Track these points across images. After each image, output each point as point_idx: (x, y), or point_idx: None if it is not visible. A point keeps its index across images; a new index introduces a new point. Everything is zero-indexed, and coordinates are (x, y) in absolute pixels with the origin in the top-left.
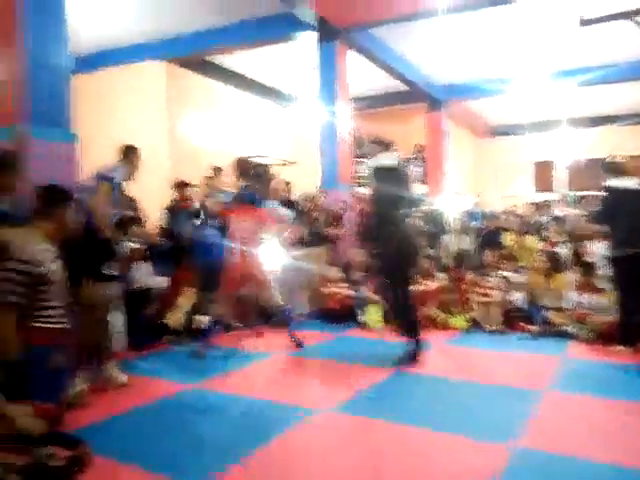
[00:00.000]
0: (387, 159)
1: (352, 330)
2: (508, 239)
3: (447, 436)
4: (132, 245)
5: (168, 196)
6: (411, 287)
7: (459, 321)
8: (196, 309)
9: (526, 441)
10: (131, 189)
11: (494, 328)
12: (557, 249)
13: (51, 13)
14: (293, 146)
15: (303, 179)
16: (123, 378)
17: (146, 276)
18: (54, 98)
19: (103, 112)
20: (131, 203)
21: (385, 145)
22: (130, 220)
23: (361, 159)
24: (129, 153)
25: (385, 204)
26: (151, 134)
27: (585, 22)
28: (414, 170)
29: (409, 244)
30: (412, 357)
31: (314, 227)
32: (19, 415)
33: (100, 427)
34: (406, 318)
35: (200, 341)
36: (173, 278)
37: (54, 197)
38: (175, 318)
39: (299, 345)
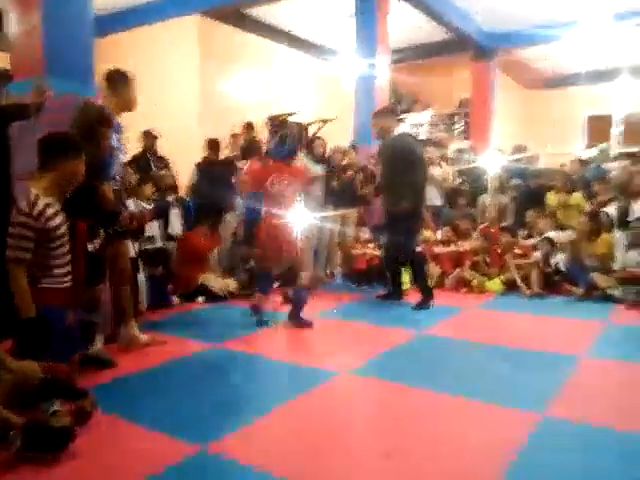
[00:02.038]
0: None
1: (380, 291)
2: (552, 198)
3: (472, 402)
4: (144, 205)
5: (199, 154)
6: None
7: (495, 284)
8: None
9: (556, 409)
10: (162, 147)
11: (534, 292)
12: (604, 208)
13: None
14: (328, 100)
15: (336, 135)
16: (144, 338)
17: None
18: (74, 50)
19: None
20: (158, 163)
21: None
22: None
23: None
24: (112, 83)
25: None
26: (182, 91)
27: None
28: (457, 126)
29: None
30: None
31: (347, 186)
32: (26, 370)
33: (112, 386)
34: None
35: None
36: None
37: (53, 148)
38: (221, 283)
39: (307, 325)
